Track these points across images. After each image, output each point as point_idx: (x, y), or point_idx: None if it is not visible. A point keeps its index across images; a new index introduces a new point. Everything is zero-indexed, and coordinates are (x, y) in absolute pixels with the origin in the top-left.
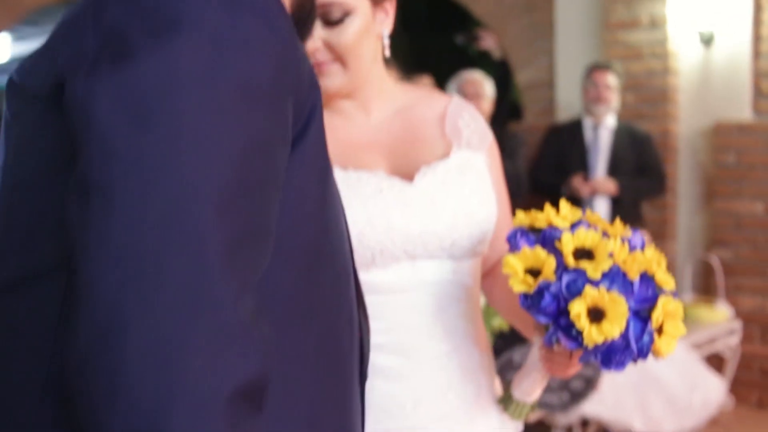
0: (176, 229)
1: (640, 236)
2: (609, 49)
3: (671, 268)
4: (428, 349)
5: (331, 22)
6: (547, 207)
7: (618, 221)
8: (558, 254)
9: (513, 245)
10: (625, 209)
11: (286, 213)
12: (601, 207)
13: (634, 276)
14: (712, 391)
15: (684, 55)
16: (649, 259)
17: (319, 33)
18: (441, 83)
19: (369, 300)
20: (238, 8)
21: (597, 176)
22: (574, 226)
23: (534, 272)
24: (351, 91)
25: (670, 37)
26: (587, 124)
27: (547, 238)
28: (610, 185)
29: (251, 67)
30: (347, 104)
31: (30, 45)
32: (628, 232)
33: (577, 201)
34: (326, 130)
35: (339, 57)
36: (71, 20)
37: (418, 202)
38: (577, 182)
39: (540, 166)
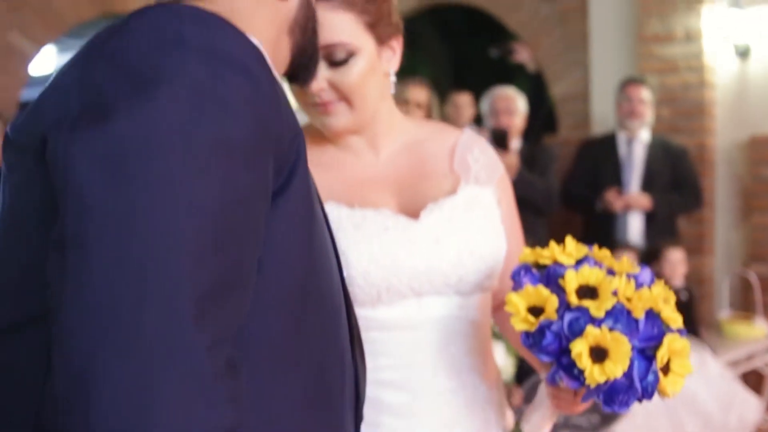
0: (150, 282)
1: (648, 272)
2: (644, 62)
3: (709, 283)
4: (434, 386)
5: (335, 63)
6: (552, 244)
7: (625, 259)
8: (561, 292)
9: (517, 282)
10: (660, 224)
11: (270, 261)
12: (636, 222)
13: (639, 314)
14: (749, 410)
15: (720, 68)
16: (655, 296)
17: (323, 73)
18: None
19: (375, 336)
20: (218, 63)
21: (631, 191)
22: (579, 263)
23: (536, 310)
24: (358, 129)
25: (705, 51)
26: (621, 138)
27: (551, 276)
28: (644, 200)
29: (229, 124)
30: (356, 141)
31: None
32: (635, 268)
33: (610, 216)
34: (335, 166)
35: (344, 96)
36: (60, 77)
37: (423, 239)
38: (610, 196)
39: (573, 180)
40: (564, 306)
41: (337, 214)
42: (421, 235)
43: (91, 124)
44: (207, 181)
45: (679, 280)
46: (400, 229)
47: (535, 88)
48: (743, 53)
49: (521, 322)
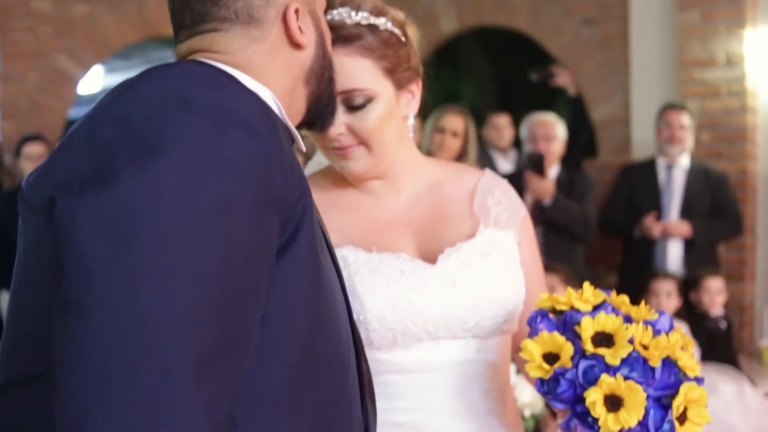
0: (146, 345)
1: (667, 319)
2: (685, 86)
3: (749, 310)
4: (452, 428)
5: (354, 108)
6: (569, 290)
7: (643, 305)
8: (577, 339)
9: (533, 329)
10: (699, 251)
11: (275, 316)
12: (675, 249)
13: (656, 362)
14: None
15: (762, 92)
16: (673, 343)
17: (342, 118)
18: (523, 115)
19: (390, 379)
20: (222, 123)
21: (670, 218)
22: (596, 310)
23: (552, 357)
24: (377, 172)
25: (747, 75)
26: (661, 164)
27: (567, 322)
28: (683, 228)
29: (232, 184)
30: (377, 184)
31: (120, 77)
32: (653, 314)
33: (649, 242)
34: (354, 209)
35: (363, 141)
36: (70, 138)
37: (440, 284)
38: (649, 223)
39: (612, 206)
40: (579, 353)
41: (354, 258)
42: (437, 280)
43: (95, 188)
44: (207, 244)
45: (718, 309)
46: (417, 274)
47: (575, 111)
48: None
49: (536, 369)
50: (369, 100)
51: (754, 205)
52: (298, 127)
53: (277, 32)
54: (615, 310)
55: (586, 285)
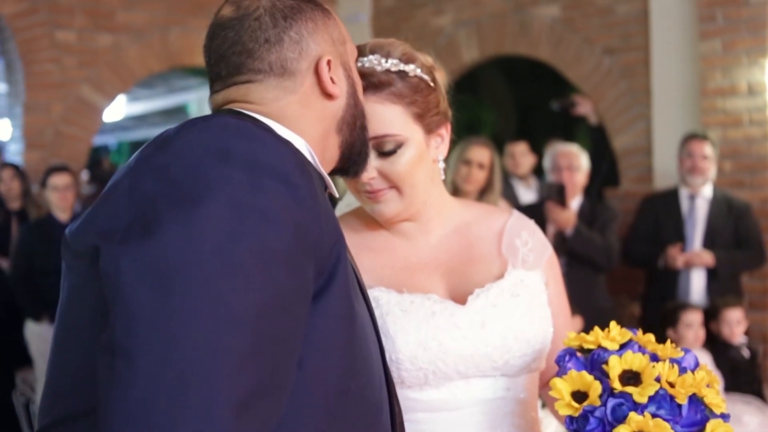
0: (190, 389)
1: (693, 356)
2: (707, 115)
3: None
4: None
5: (385, 153)
6: (597, 330)
7: (669, 343)
8: (605, 377)
9: (561, 368)
10: (722, 281)
11: (310, 360)
12: (698, 279)
13: (683, 400)
14: None
15: None
16: (699, 381)
17: (373, 162)
18: (544, 143)
19: (421, 417)
20: (260, 175)
21: (694, 248)
22: (623, 348)
23: (580, 395)
24: (408, 215)
25: None
26: (683, 193)
27: (595, 361)
28: (706, 258)
29: (269, 234)
30: (408, 225)
31: (143, 106)
32: (678, 352)
33: (672, 273)
34: (386, 250)
35: (394, 184)
36: (112, 187)
37: (469, 324)
38: (672, 252)
39: (635, 236)
40: (608, 392)
41: (386, 299)
42: (467, 320)
43: (138, 237)
44: (247, 292)
45: (740, 338)
46: (447, 314)
47: (597, 140)
48: None
49: (565, 408)
50: (400, 146)
51: None
52: (332, 173)
53: (310, 83)
54: (641, 349)
55: (613, 324)
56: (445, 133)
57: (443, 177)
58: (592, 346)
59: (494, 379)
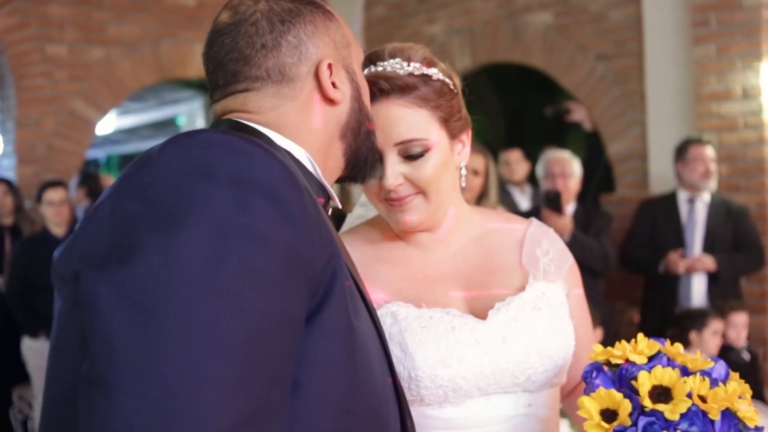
0: (173, 421)
1: (723, 366)
2: (702, 120)
3: None
4: None
5: (412, 157)
6: (623, 343)
7: (698, 354)
8: (635, 394)
9: (589, 385)
10: (722, 285)
11: (309, 381)
12: (699, 284)
13: (716, 415)
14: None
15: None
16: (731, 394)
17: (399, 168)
18: (534, 150)
19: None
20: (244, 191)
21: (694, 252)
22: (651, 360)
23: (610, 414)
24: (430, 224)
25: (764, 108)
26: (682, 198)
27: (623, 377)
28: (708, 262)
29: (255, 255)
30: (425, 237)
31: (133, 119)
32: (708, 363)
33: (672, 277)
34: (403, 262)
35: (421, 190)
36: (96, 209)
37: (490, 339)
38: (673, 258)
39: (633, 242)
40: (638, 410)
41: (404, 314)
42: (487, 335)
43: (117, 263)
44: (231, 316)
45: (742, 341)
46: (467, 330)
47: (591, 146)
48: None
49: (595, 428)
50: (427, 150)
51: None
52: (339, 181)
53: (310, 88)
54: (671, 362)
55: (641, 336)
56: (466, 139)
57: (463, 184)
58: (619, 361)
59: (515, 395)
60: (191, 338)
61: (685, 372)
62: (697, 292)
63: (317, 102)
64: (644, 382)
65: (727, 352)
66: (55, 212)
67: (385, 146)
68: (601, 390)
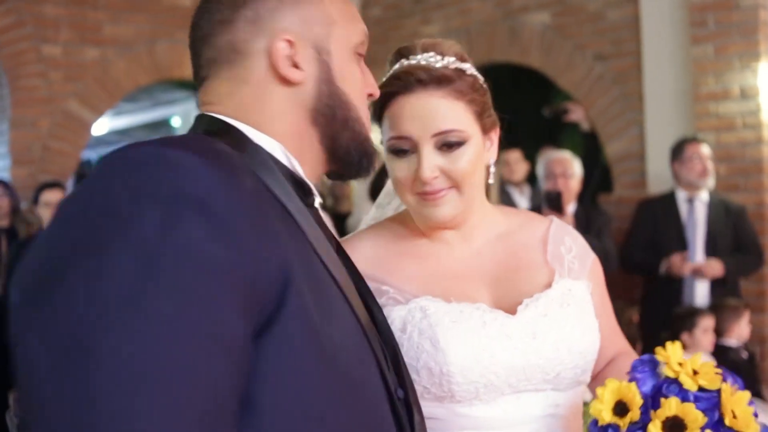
0: None
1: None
2: (700, 120)
3: None
4: None
5: (448, 146)
6: (693, 360)
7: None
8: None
9: (630, 374)
10: (725, 285)
11: (265, 397)
12: (702, 285)
13: None
14: None
15: None
16: None
17: (435, 161)
18: (529, 150)
19: None
20: (172, 207)
21: (696, 253)
22: (701, 390)
23: (621, 406)
24: (460, 220)
25: (762, 108)
26: (681, 197)
27: (658, 390)
28: (716, 267)
29: (186, 275)
30: (449, 234)
31: (127, 120)
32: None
33: (674, 278)
34: (428, 258)
35: (455, 183)
36: (37, 239)
37: (520, 335)
38: (677, 261)
39: (633, 243)
40: (640, 423)
41: (434, 308)
42: (518, 331)
43: (42, 301)
44: (160, 347)
45: (739, 340)
46: (498, 325)
47: (588, 146)
48: None
49: (602, 411)
50: (463, 142)
51: None
52: (333, 177)
53: (264, 68)
54: (716, 403)
55: (710, 365)
56: (495, 137)
57: (491, 181)
58: (671, 374)
59: (545, 394)
60: (119, 379)
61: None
62: (701, 292)
63: (272, 83)
64: (668, 407)
65: (725, 351)
66: (52, 213)
67: (421, 138)
68: (624, 383)
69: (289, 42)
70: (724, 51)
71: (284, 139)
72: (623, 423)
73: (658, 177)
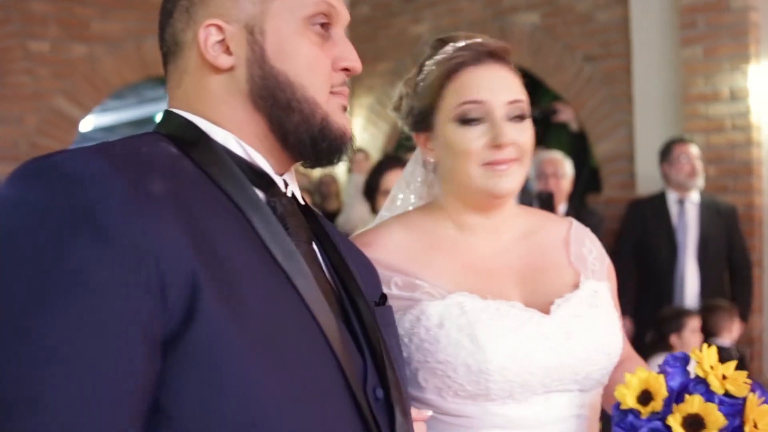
0: None
1: None
2: (689, 121)
3: (758, 342)
4: None
5: (519, 117)
6: (727, 366)
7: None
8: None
9: (661, 367)
10: (713, 286)
11: (179, 410)
12: (692, 284)
13: None
14: None
15: (766, 126)
16: None
17: (510, 131)
18: None
19: None
20: (64, 224)
21: (687, 256)
22: (726, 396)
23: (646, 395)
24: (510, 200)
25: (751, 109)
26: (671, 198)
27: (685, 387)
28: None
29: (77, 300)
30: (483, 222)
31: (113, 117)
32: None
33: (665, 278)
34: (457, 251)
35: (520, 156)
36: None
37: (555, 335)
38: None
39: (623, 245)
40: (659, 415)
41: (471, 305)
42: (553, 331)
43: None
44: (60, 373)
45: (729, 340)
46: (534, 324)
47: (577, 147)
48: None
49: (627, 397)
50: (527, 116)
51: (761, 239)
52: (311, 165)
53: (196, 56)
54: (740, 408)
55: (742, 374)
56: None
57: None
58: (701, 374)
59: (572, 394)
60: (26, 411)
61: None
62: (690, 292)
63: (206, 71)
64: (691, 404)
65: (718, 351)
66: None
67: (495, 105)
68: (652, 374)
69: (218, 27)
70: (713, 53)
71: (235, 128)
72: (645, 411)
73: (647, 178)
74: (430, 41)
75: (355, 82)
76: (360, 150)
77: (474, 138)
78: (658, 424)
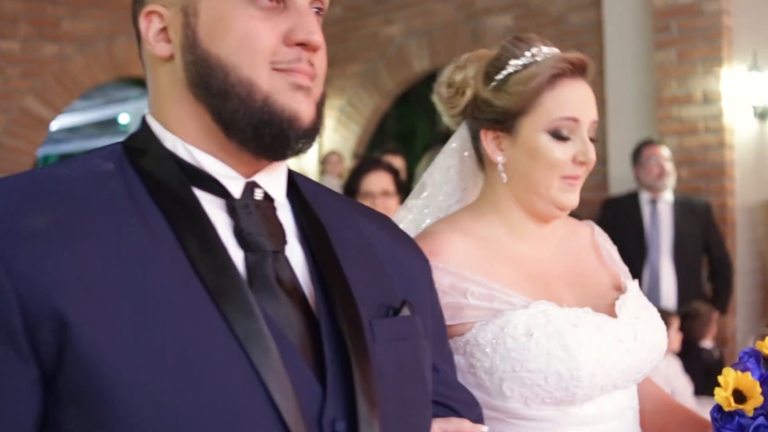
0: None
1: None
2: (662, 124)
3: (731, 343)
4: None
5: (592, 138)
6: None
7: None
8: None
9: (740, 363)
10: (689, 286)
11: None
12: (668, 284)
13: None
14: None
15: (738, 129)
16: None
17: (591, 148)
18: None
19: None
20: None
21: (661, 255)
22: None
23: (740, 395)
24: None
25: (724, 112)
26: (644, 198)
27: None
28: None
29: None
30: (538, 231)
31: (78, 117)
32: None
33: (640, 279)
34: (516, 260)
35: (586, 172)
36: None
37: (626, 337)
38: None
39: None
40: (764, 410)
41: (554, 313)
42: (624, 333)
43: None
44: None
45: (709, 341)
46: (608, 328)
47: None
48: (762, 114)
49: (723, 398)
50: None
51: (734, 240)
52: (270, 159)
53: (146, 49)
54: None
55: None
56: None
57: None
58: None
59: (627, 389)
60: None
61: None
62: (666, 292)
63: (154, 63)
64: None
65: (700, 352)
66: None
67: (584, 124)
68: (738, 372)
69: (159, 14)
70: (687, 56)
71: (180, 126)
72: (748, 408)
73: (619, 180)
74: (508, 38)
75: (325, 84)
76: (333, 152)
77: (563, 152)
78: (762, 419)
